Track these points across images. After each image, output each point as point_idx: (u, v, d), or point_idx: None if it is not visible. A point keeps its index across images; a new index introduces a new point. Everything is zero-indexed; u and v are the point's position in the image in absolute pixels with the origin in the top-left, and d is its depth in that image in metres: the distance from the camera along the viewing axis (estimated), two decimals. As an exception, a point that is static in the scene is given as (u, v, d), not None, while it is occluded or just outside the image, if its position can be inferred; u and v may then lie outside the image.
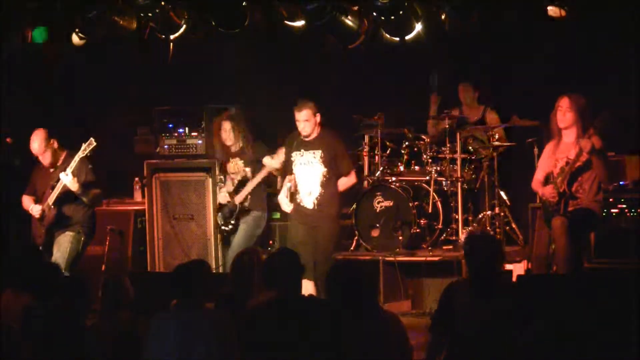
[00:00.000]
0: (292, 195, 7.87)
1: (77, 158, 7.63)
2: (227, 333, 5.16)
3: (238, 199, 8.51)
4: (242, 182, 8.50)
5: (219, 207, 8.73)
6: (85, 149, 7.67)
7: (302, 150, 7.79)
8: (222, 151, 8.67)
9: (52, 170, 7.84)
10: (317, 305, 5.29)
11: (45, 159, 7.79)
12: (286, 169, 7.97)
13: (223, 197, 8.65)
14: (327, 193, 7.73)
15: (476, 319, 5.16)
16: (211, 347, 5.08)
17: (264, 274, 5.41)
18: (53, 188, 7.70)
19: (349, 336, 4.93)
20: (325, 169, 7.72)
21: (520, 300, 5.31)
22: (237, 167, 8.56)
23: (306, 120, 7.66)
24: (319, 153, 7.73)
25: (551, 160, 7.22)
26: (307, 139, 7.76)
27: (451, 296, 5.30)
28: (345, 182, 7.86)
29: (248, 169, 8.53)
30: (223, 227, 8.67)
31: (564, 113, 7.16)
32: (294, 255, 5.45)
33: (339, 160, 7.77)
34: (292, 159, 7.83)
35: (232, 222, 8.56)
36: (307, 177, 7.77)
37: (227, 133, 8.56)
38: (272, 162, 8.39)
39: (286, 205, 7.91)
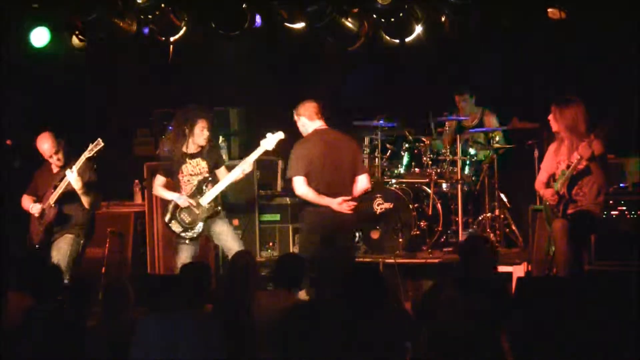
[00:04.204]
0: None
1: (83, 157, 7.62)
2: (212, 334, 5.18)
3: (205, 200, 7.73)
4: (202, 184, 7.77)
5: (173, 212, 7.79)
6: (92, 149, 7.64)
7: None
8: (180, 151, 7.75)
9: (56, 170, 7.84)
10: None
11: (60, 159, 7.77)
12: None
13: (182, 201, 7.75)
14: None
15: (460, 315, 5.23)
16: (195, 349, 5.10)
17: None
18: (55, 187, 7.70)
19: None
20: None
21: (504, 300, 5.37)
22: (199, 168, 7.75)
23: None
24: None
25: (553, 161, 7.22)
26: None
27: (434, 298, 5.41)
28: None
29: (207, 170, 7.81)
30: (184, 234, 7.74)
31: (551, 120, 7.20)
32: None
33: None
34: None
35: (198, 226, 7.72)
36: None
37: (204, 132, 7.72)
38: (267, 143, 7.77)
39: None
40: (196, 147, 7.74)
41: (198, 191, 7.74)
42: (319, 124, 7.35)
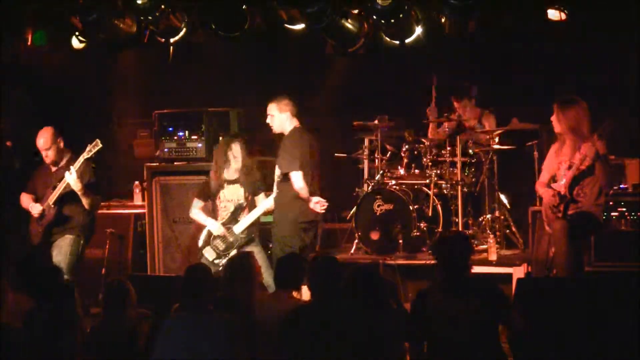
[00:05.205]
0: None
1: (81, 158, 7.65)
2: (236, 335, 5.19)
3: (238, 228, 7.84)
4: (237, 210, 7.87)
5: (206, 240, 7.90)
6: (90, 150, 7.67)
7: None
8: (220, 177, 7.91)
9: (54, 169, 7.85)
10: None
11: (49, 156, 7.80)
12: None
13: (216, 228, 7.89)
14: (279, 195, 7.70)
15: (450, 318, 5.24)
16: (220, 349, 5.11)
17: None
18: (54, 188, 7.70)
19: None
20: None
21: (493, 298, 5.36)
22: (236, 195, 7.90)
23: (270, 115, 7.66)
24: None
25: (555, 162, 7.22)
26: None
27: (423, 301, 5.41)
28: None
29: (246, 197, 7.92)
30: (217, 261, 7.79)
31: (554, 121, 7.21)
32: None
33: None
34: None
35: (232, 254, 7.66)
36: None
37: (237, 156, 7.89)
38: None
39: None
40: (235, 172, 7.88)
41: (233, 218, 7.86)
42: (296, 121, 7.71)
